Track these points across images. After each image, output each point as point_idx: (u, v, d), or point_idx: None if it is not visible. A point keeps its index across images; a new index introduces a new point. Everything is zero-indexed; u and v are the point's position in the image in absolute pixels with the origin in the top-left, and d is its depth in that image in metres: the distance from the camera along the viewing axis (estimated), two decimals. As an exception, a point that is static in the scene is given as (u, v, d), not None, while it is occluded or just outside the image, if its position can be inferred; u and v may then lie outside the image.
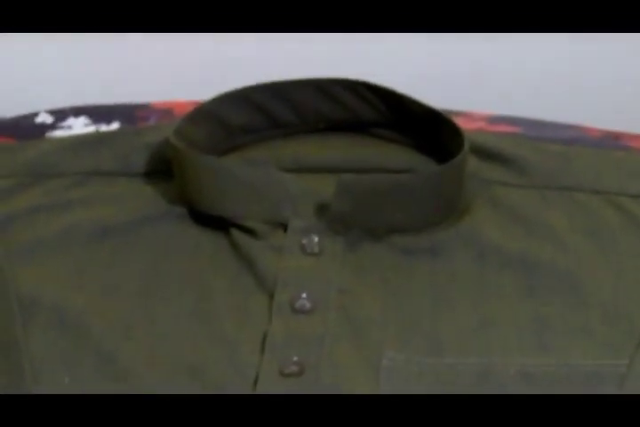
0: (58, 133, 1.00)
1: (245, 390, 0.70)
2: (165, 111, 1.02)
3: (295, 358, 0.72)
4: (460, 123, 0.84)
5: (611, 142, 1.02)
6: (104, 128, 1.01)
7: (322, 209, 0.80)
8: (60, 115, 1.04)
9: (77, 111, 1.05)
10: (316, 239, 0.78)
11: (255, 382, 0.70)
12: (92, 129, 1.02)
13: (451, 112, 0.88)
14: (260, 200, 0.80)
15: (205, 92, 0.89)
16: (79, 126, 1.03)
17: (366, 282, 0.78)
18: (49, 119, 1.04)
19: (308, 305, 0.75)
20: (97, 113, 1.05)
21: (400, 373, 0.72)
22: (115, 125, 1.03)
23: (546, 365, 0.71)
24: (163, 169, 0.86)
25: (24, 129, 1.02)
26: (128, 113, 1.05)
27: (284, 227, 0.79)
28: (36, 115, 1.04)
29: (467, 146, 0.81)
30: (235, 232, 0.79)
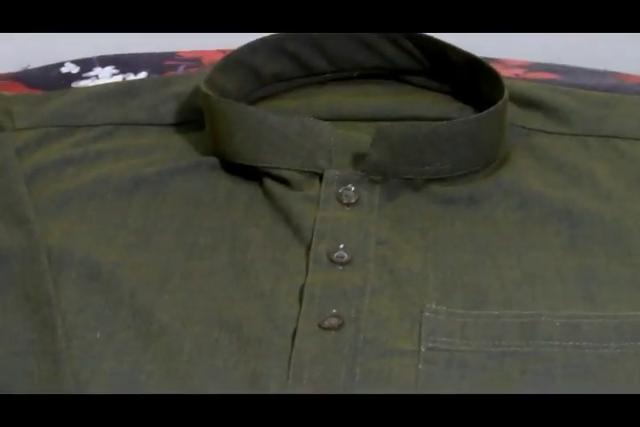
0: (84, 83, 1.00)
1: (284, 344, 0.68)
2: (194, 60, 1.02)
3: (334, 311, 0.70)
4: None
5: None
6: (131, 77, 1.01)
7: (358, 158, 0.79)
8: (86, 64, 1.04)
9: (104, 61, 1.06)
10: (353, 189, 0.77)
11: (293, 336, 0.68)
12: (119, 79, 1.02)
13: (487, 59, 0.86)
14: (295, 149, 0.78)
15: (234, 40, 0.88)
16: (106, 76, 1.04)
17: (405, 233, 0.76)
18: (75, 69, 1.04)
19: (345, 256, 0.73)
20: (124, 62, 1.05)
21: (442, 326, 0.69)
22: (142, 75, 1.03)
23: (593, 317, 0.69)
24: (193, 119, 0.86)
25: (50, 79, 1.02)
26: (156, 62, 1.05)
27: (320, 177, 0.78)
28: (61, 65, 1.03)
29: (506, 94, 0.80)
30: (269, 182, 0.78)
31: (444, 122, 0.79)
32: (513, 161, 0.82)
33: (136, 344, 0.69)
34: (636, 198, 0.80)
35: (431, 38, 0.87)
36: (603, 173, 0.81)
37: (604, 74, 1.02)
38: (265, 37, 0.88)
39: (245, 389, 0.66)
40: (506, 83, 0.82)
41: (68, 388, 0.65)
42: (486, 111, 0.78)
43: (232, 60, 0.86)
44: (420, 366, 0.67)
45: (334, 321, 0.69)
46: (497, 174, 0.80)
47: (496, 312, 0.70)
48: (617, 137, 0.86)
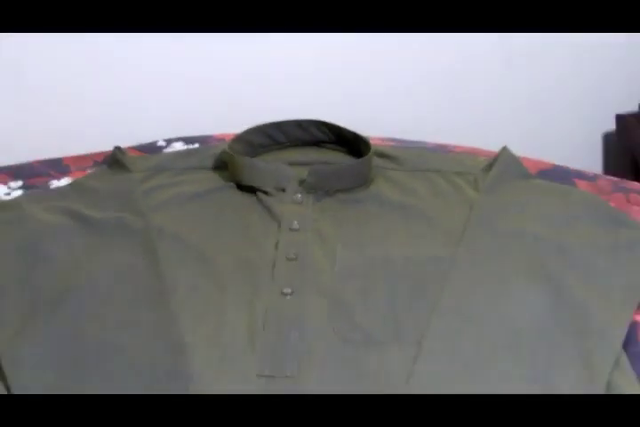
0: (168, 150, 1.37)
1: (266, 268, 1.03)
2: (220, 139, 1.36)
3: (294, 252, 1.06)
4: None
5: (441, 149, 1.39)
6: (191, 147, 1.38)
7: (302, 182, 1.17)
8: (169, 141, 1.40)
9: (178, 139, 1.41)
10: (300, 196, 1.16)
11: (273, 263, 1.04)
12: (184, 147, 1.39)
13: (360, 134, 1.26)
14: (272, 178, 1.18)
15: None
16: (178, 146, 1.40)
17: (325, 216, 1.14)
18: (163, 143, 1.39)
19: (297, 227, 1.10)
20: (188, 140, 1.41)
21: (344, 259, 1.06)
22: (196, 145, 1.40)
23: (415, 253, 1.07)
24: (221, 166, 1.24)
25: (150, 148, 1.38)
26: (203, 140, 1.40)
27: (284, 190, 1.16)
28: (156, 141, 1.41)
29: (372, 150, 1.23)
30: (259, 194, 1.17)
31: (342, 164, 1.22)
32: (376, 183, 1.21)
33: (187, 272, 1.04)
34: (435, 201, 1.17)
35: (335, 125, 1.28)
36: (420, 189, 1.20)
37: (416, 141, 1.40)
38: (255, 127, 1.27)
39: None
40: (372, 145, 1.23)
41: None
42: (362, 159, 1.21)
43: (239, 137, 1.26)
44: (336, 277, 1.03)
45: (294, 256, 1.05)
46: (369, 189, 1.19)
47: (373, 252, 1.06)
48: (426, 170, 1.24)
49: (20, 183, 1.33)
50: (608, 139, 2.00)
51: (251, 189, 1.19)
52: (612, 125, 1.92)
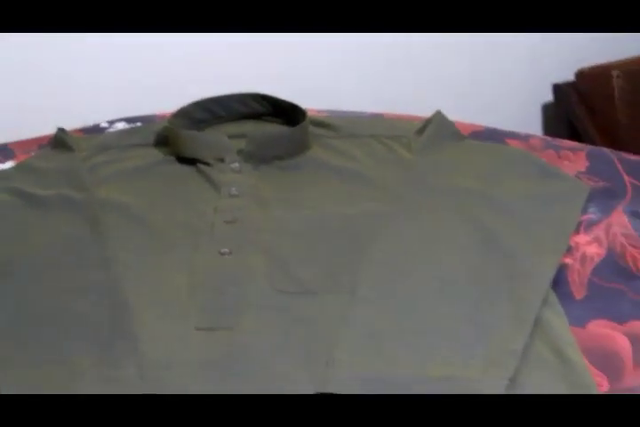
0: (111, 130, 1.39)
1: (206, 231, 1.06)
2: (163, 118, 1.32)
3: (232, 215, 1.10)
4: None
5: (376, 116, 1.43)
6: (133, 125, 1.39)
7: (240, 152, 1.20)
8: (112, 122, 1.43)
9: (120, 120, 1.44)
10: (237, 164, 1.18)
11: (212, 226, 1.08)
12: (127, 126, 1.40)
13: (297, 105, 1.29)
14: (211, 149, 1.20)
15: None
16: (121, 127, 1.41)
17: (264, 182, 1.16)
18: (106, 124, 1.42)
19: (237, 193, 1.13)
20: (130, 120, 1.43)
21: (281, 220, 1.09)
22: (139, 124, 1.41)
23: (351, 211, 1.10)
24: (163, 141, 1.26)
25: (94, 130, 1.40)
26: (145, 119, 1.42)
27: (223, 160, 1.19)
28: (99, 123, 1.42)
29: (307, 119, 1.25)
30: (200, 165, 1.20)
31: (279, 132, 1.26)
32: (313, 150, 1.24)
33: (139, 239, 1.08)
34: (370, 162, 1.20)
35: (272, 97, 1.30)
36: (357, 153, 1.23)
37: (350, 111, 1.44)
38: (195, 102, 1.29)
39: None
40: (309, 114, 1.26)
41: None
42: (298, 126, 1.23)
43: (181, 111, 1.28)
44: (273, 235, 1.06)
45: (231, 219, 1.08)
46: (306, 155, 1.22)
47: (309, 212, 1.09)
48: (361, 136, 1.26)
49: (-36, 168, 1.36)
50: (547, 109, 2.03)
51: (191, 161, 1.21)
52: (550, 96, 1.94)
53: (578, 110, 1.87)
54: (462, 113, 1.42)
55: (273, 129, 1.31)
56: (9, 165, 1.32)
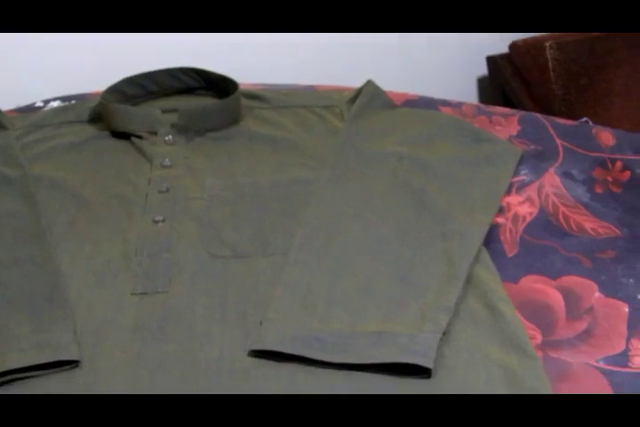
0: (46, 109, 1.36)
1: (139, 201, 1.07)
2: (97, 96, 1.29)
3: (165, 185, 1.11)
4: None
5: (309, 88, 1.42)
6: (67, 104, 1.36)
7: (173, 125, 1.21)
8: (47, 101, 1.41)
9: (55, 99, 1.41)
10: (171, 137, 1.19)
11: (146, 197, 1.09)
12: (61, 104, 1.39)
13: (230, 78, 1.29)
14: (144, 122, 1.21)
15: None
16: (56, 105, 1.39)
17: (196, 153, 1.17)
18: (41, 104, 1.40)
19: (169, 164, 1.14)
20: (65, 99, 1.42)
21: (214, 188, 1.11)
22: (73, 102, 1.39)
23: (283, 178, 1.11)
24: (97, 117, 1.26)
25: (28, 110, 1.37)
26: (79, 97, 1.41)
27: (156, 133, 1.19)
28: (34, 103, 1.40)
29: (238, 91, 1.25)
30: (134, 139, 1.21)
31: (211, 104, 1.23)
32: (245, 121, 1.24)
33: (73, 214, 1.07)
34: (302, 131, 1.20)
35: (202, 70, 1.30)
36: (288, 123, 1.24)
37: (295, 85, 1.44)
38: (127, 78, 1.29)
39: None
40: (241, 88, 1.26)
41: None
42: (229, 97, 1.23)
43: (112, 88, 1.28)
44: (206, 203, 1.07)
45: (165, 189, 1.09)
46: (238, 126, 1.23)
47: (242, 180, 1.10)
48: (292, 106, 1.27)
49: None
50: (481, 82, 2.03)
51: (125, 135, 1.22)
52: (484, 68, 1.94)
53: (512, 82, 1.87)
54: (395, 86, 1.42)
55: (205, 102, 1.31)
56: (-58, 147, 1.31)
